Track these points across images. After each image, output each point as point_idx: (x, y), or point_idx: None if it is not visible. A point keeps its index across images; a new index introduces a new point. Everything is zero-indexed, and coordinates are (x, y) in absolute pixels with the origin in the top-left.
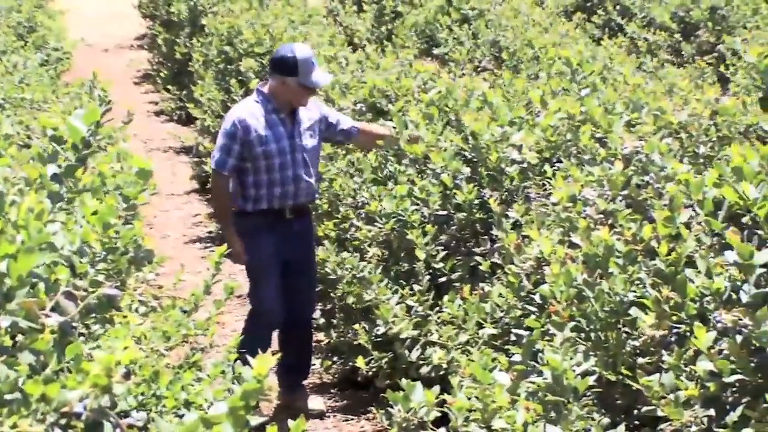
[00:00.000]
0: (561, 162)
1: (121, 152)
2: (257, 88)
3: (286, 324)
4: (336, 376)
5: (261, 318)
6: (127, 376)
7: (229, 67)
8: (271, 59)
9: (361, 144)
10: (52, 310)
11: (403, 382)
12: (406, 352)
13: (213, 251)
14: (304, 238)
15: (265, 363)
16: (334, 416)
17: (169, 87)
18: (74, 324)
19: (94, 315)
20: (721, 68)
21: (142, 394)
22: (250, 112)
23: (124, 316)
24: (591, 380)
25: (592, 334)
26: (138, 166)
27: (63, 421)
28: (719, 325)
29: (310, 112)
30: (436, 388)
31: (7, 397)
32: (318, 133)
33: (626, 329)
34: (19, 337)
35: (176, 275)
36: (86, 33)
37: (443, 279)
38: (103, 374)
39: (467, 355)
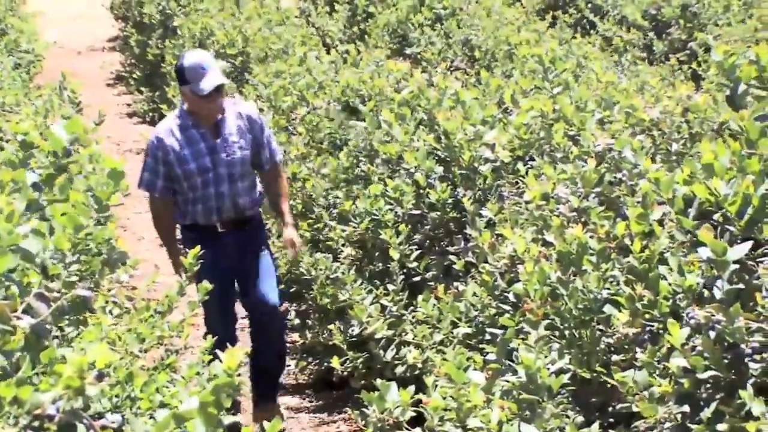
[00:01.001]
0: (534, 160)
1: (93, 154)
2: (180, 104)
3: (251, 321)
4: (311, 376)
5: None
6: (100, 377)
7: None
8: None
9: (262, 182)
10: (24, 312)
11: (378, 382)
12: (381, 352)
13: (187, 253)
14: (244, 249)
15: (235, 357)
16: (310, 417)
17: (142, 89)
18: (48, 326)
19: (67, 317)
20: (693, 65)
21: (117, 396)
22: (168, 130)
23: (98, 318)
24: (565, 378)
25: (567, 332)
26: (110, 166)
27: (36, 424)
28: (692, 321)
29: (241, 123)
30: (411, 388)
31: None
32: (248, 146)
33: (600, 327)
34: None
35: (151, 277)
36: (58, 35)
37: (417, 278)
38: (76, 376)
39: (442, 355)
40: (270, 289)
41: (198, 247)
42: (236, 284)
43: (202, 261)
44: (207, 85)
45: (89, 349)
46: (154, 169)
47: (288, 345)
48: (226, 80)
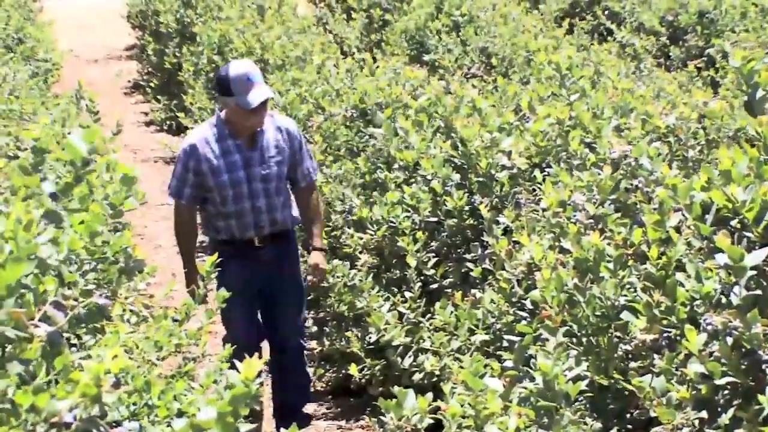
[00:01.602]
0: (551, 167)
1: (110, 162)
2: (217, 111)
3: (273, 355)
4: (329, 383)
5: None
6: (116, 385)
7: None
8: (213, 80)
9: (296, 198)
10: (41, 320)
11: (396, 389)
12: (399, 359)
13: (204, 261)
14: (279, 264)
15: (253, 367)
16: (328, 424)
17: (159, 97)
18: (64, 334)
19: (84, 325)
20: (711, 72)
21: (134, 404)
22: (203, 139)
23: (115, 326)
24: (583, 385)
25: (584, 339)
26: (123, 172)
27: (53, 431)
28: (710, 327)
29: (280, 137)
30: (429, 395)
31: None
32: (286, 161)
33: (617, 333)
34: (8, 347)
35: (168, 285)
36: (75, 44)
37: (435, 285)
38: (93, 384)
39: (459, 362)
40: (297, 327)
41: (216, 255)
42: (261, 301)
43: (230, 273)
44: (255, 99)
45: (105, 356)
46: (183, 177)
47: (306, 352)
48: (273, 93)
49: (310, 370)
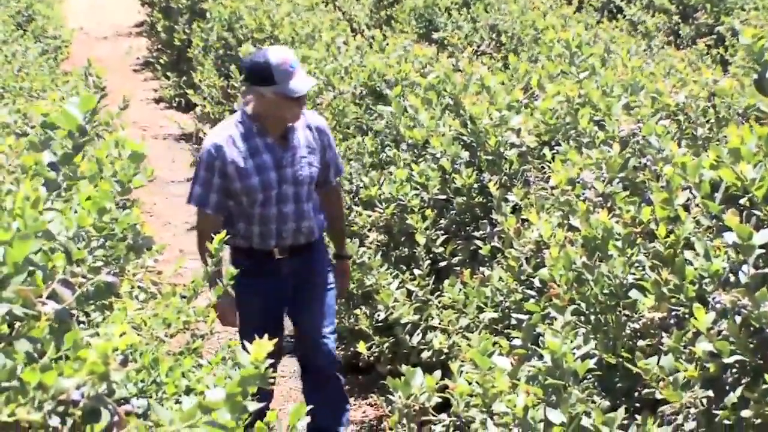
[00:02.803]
0: (560, 145)
1: (118, 139)
2: (241, 108)
3: (305, 375)
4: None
5: None
6: (124, 362)
7: (228, 53)
8: (241, 70)
9: (322, 200)
10: (49, 297)
11: (404, 367)
12: (407, 337)
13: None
14: (303, 281)
15: (263, 348)
16: None
17: (169, 74)
18: (72, 311)
19: (92, 302)
20: (720, 50)
21: (142, 381)
22: (228, 138)
23: (123, 303)
24: (591, 363)
25: (592, 317)
26: (131, 148)
27: (60, 409)
28: (718, 306)
29: (311, 136)
30: (437, 374)
31: (5, 385)
32: (318, 163)
33: (626, 312)
34: (16, 325)
35: (177, 262)
36: (84, 21)
37: (443, 263)
38: (100, 361)
39: (468, 340)
40: (332, 345)
41: (231, 267)
42: (286, 319)
43: (248, 299)
44: (301, 85)
45: (113, 333)
46: (208, 182)
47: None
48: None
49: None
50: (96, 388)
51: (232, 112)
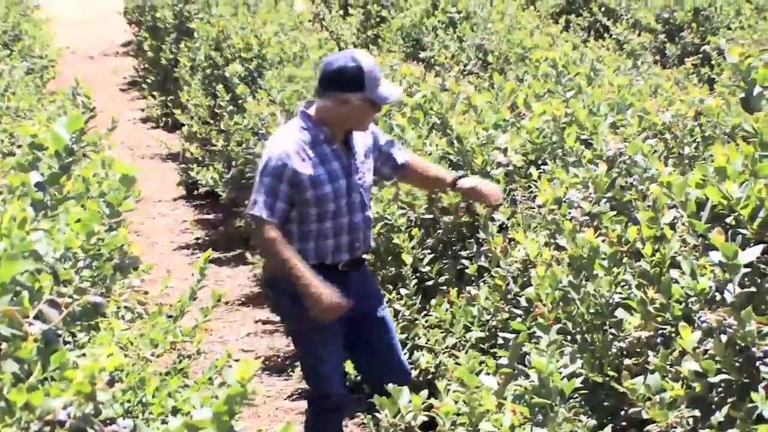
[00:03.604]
0: (546, 164)
1: (106, 159)
2: (302, 111)
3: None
4: None
5: (323, 403)
6: (111, 383)
7: (215, 72)
8: (323, 72)
9: (409, 181)
10: (36, 318)
11: (390, 386)
12: None
13: (200, 258)
14: (367, 294)
15: (249, 367)
16: None
17: (155, 93)
18: (58, 332)
19: (79, 322)
20: (706, 69)
21: (129, 401)
22: (297, 144)
23: (110, 323)
24: (577, 382)
25: (579, 336)
26: (122, 172)
27: (47, 429)
28: (704, 325)
29: (364, 138)
30: (424, 393)
31: None
32: (373, 165)
33: (612, 331)
34: (3, 345)
35: (163, 282)
36: (71, 40)
37: (430, 283)
38: (87, 382)
39: (454, 359)
40: (404, 358)
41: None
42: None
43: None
44: (392, 93)
45: (100, 354)
46: (274, 190)
47: None
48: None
49: None
50: (82, 409)
51: (220, 131)
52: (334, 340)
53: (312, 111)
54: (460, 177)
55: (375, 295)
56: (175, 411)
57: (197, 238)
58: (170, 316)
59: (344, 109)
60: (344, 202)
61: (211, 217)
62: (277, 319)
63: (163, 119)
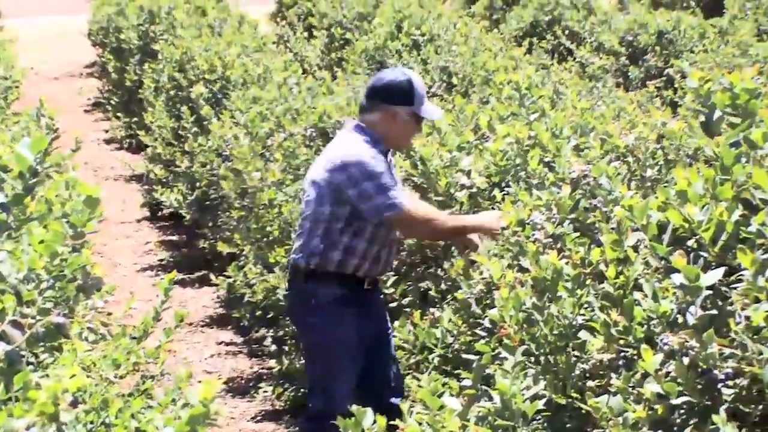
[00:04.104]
0: (510, 186)
1: (69, 180)
2: (357, 125)
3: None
4: (288, 402)
5: (325, 421)
6: (74, 404)
7: (179, 93)
8: (372, 86)
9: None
10: None
11: (354, 408)
12: None
13: (163, 279)
14: (380, 309)
15: (212, 387)
16: None
17: (119, 114)
18: (22, 352)
19: (42, 343)
20: (669, 92)
21: (92, 422)
22: (374, 149)
23: (72, 344)
24: (540, 404)
25: (542, 358)
26: (86, 193)
27: None
28: (666, 347)
29: (393, 161)
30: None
31: None
32: None
33: (575, 353)
34: None
35: (127, 303)
36: (35, 61)
37: (394, 304)
38: (50, 402)
39: (418, 381)
40: (396, 388)
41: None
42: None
43: (346, 325)
44: (436, 112)
45: (63, 375)
46: (389, 178)
47: (265, 371)
48: None
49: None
50: (45, 429)
51: (184, 153)
52: (353, 360)
53: (364, 125)
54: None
55: (385, 315)
56: None
57: (161, 260)
58: (134, 338)
59: (392, 122)
60: None
61: (174, 238)
62: (240, 341)
63: (128, 140)
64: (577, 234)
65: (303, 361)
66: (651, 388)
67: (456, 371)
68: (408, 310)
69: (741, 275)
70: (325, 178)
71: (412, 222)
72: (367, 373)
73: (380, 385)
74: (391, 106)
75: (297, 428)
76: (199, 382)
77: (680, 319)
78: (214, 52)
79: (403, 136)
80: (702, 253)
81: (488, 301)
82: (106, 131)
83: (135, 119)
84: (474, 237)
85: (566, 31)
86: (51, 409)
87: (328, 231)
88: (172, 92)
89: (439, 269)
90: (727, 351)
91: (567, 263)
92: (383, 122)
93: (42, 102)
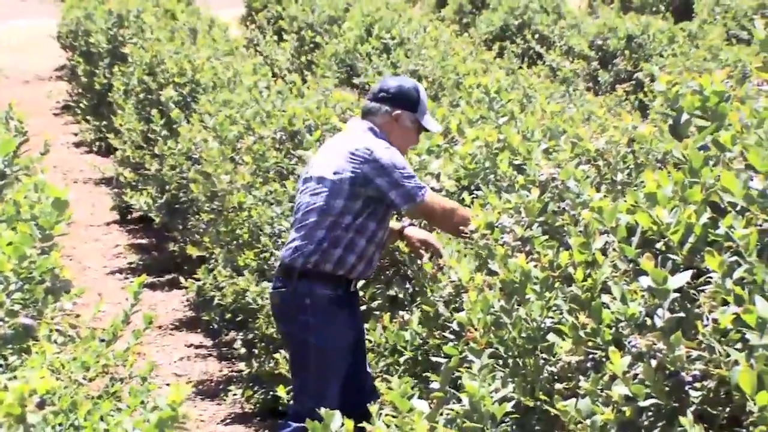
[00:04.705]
0: (479, 190)
1: (38, 183)
2: (370, 128)
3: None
4: (257, 405)
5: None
6: (41, 405)
7: (149, 96)
8: (380, 88)
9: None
10: None
11: (323, 410)
12: None
13: (133, 282)
14: (359, 311)
15: (181, 391)
16: None
17: (89, 118)
18: None
19: (10, 345)
20: (639, 95)
21: (60, 424)
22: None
23: (41, 346)
24: (509, 406)
25: (510, 361)
26: (54, 195)
27: None
28: (634, 349)
29: None
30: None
31: None
32: None
33: (544, 355)
34: None
35: (96, 306)
36: (4, 64)
37: (363, 307)
38: (17, 404)
39: (387, 383)
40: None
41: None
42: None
43: (341, 326)
44: (436, 126)
45: (30, 376)
46: (411, 170)
47: (234, 374)
48: None
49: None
50: (12, 431)
51: (153, 156)
52: (345, 360)
53: (375, 126)
54: (406, 226)
55: (362, 320)
56: None
57: (130, 263)
58: (102, 340)
59: (395, 126)
60: (389, 217)
61: (144, 241)
62: (210, 343)
63: (97, 144)
64: (546, 237)
65: (271, 362)
66: (619, 390)
67: (425, 374)
68: (377, 313)
69: (709, 278)
70: (347, 168)
71: (439, 206)
72: (353, 374)
73: (364, 387)
74: (395, 109)
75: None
76: (168, 385)
77: (648, 322)
78: (183, 56)
79: (404, 141)
80: (670, 255)
81: (457, 304)
82: (76, 134)
83: (104, 122)
84: (436, 242)
85: (536, 35)
86: (17, 411)
87: (334, 225)
88: (141, 95)
89: (409, 271)
90: (694, 353)
91: (535, 266)
92: (387, 125)
93: (11, 105)
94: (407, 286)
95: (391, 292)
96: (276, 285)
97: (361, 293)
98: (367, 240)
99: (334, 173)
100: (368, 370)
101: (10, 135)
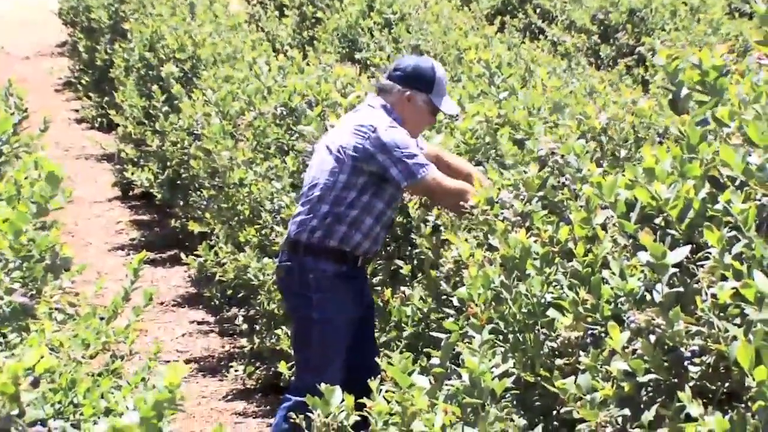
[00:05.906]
0: (480, 165)
1: (38, 160)
2: (383, 105)
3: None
4: (259, 381)
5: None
6: (35, 383)
7: (150, 72)
8: (395, 67)
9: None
10: None
11: (323, 386)
12: None
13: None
14: (367, 288)
15: (179, 372)
16: (258, 422)
17: (90, 94)
18: None
19: (8, 323)
20: (641, 70)
21: (60, 402)
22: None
23: (41, 324)
24: (509, 382)
25: (510, 336)
26: (48, 169)
27: None
28: (633, 325)
29: None
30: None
31: None
32: None
33: (544, 331)
34: None
35: (97, 283)
36: (5, 41)
37: None
38: (10, 382)
39: (387, 359)
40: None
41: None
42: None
43: (344, 300)
44: (453, 108)
45: (27, 354)
46: (417, 148)
47: (236, 350)
48: None
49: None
50: (6, 409)
51: (155, 132)
52: (347, 335)
53: (388, 105)
54: None
55: (370, 296)
56: (108, 412)
57: (132, 239)
58: (102, 318)
59: (407, 105)
60: (400, 196)
61: (146, 217)
62: (212, 320)
63: (98, 120)
64: (546, 212)
65: (273, 338)
66: (618, 365)
67: (426, 349)
68: (379, 288)
69: (708, 253)
70: (351, 143)
71: (442, 184)
72: (357, 350)
73: (367, 363)
74: (409, 90)
75: (268, 407)
76: (168, 362)
77: (647, 297)
78: (184, 31)
79: (416, 122)
80: (669, 230)
81: (458, 279)
82: (77, 111)
83: (106, 98)
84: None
85: (537, 10)
86: (11, 389)
87: (337, 200)
88: (142, 71)
89: (410, 247)
90: (693, 329)
91: (535, 241)
92: (399, 104)
93: (11, 82)
94: (414, 257)
95: (394, 264)
96: (282, 259)
97: None
98: (375, 219)
99: (339, 148)
100: (374, 346)
101: (9, 112)
